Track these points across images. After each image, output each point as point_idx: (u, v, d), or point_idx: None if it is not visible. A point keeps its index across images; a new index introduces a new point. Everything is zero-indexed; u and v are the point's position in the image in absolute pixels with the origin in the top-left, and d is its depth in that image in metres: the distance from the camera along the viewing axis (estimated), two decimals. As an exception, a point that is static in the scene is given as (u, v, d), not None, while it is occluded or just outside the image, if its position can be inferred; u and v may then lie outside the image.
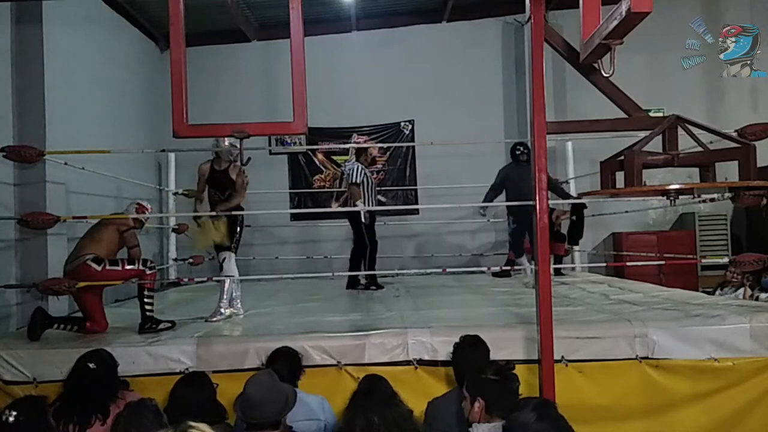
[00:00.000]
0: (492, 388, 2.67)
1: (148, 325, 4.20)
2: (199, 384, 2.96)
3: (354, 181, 6.33)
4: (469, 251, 8.46)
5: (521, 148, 6.61)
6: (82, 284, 4.20)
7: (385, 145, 8.81)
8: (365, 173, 6.42)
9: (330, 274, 6.13)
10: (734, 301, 5.14)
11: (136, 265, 4.27)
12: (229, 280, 4.71)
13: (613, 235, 8.77)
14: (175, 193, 7.57)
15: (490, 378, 2.69)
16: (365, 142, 8.85)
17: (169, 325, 4.25)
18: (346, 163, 6.76)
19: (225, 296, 4.70)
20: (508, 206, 6.58)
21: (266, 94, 8.19)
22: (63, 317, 4.38)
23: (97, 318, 4.28)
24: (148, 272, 4.29)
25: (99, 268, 4.17)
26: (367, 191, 6.44)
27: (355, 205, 6.32)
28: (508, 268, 6.73)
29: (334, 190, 7.97)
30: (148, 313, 4.24)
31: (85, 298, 4.26)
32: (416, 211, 8.50)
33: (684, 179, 6.19)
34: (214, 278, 4.67)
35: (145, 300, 4.26)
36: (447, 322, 4.23)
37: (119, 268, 4.24)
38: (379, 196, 6.74)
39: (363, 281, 6.63)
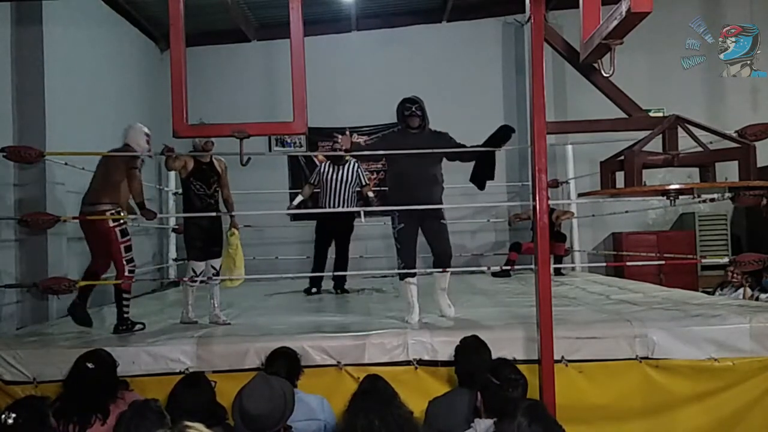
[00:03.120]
0: (492, 391, 2.71)
1: (124, 327, 4.23)
2: (198, 386, 2.95)
3: (309, 180, 6.50)
4: (469, 251, 8.45)
5: (411, 107, 4.44)
6: (81, 284, 4.22)
7: (383, 150, 8.78)
8: (323, 172, 6.31)
9: (330, 274, 6.15)
10: (734, 301, 5.14)
11: (126, 269, 4.27)
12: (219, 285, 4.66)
13: (612, 235, 8.76)
14: (175, 194, 7.57)
15: (493, 381, 2.73)
16: (365, 142, 8.84)
17: (142, 326, 4.29)
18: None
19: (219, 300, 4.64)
20: (390, 196, 4.64)
21: (266, 94, 8.19)
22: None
23: (120, 266, 4.28)
24: (127, 273, 4.28)
25: (119, 235, 4.23)
26: (330, 191, 6.25)
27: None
28: (508, 268, 6.72)
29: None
30: (124, 315, 4.27)
31: (110, 248, 4.27)
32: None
33: (684, 179, 6.21)
34: (214, 279, 4.61)
35: (123, 302, 4.29)
36: (447, 322, 4.23)
37: (123, 250, 4.26)
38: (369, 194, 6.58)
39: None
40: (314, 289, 6.34)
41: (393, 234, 4.45)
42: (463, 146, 4.49)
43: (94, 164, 5.43)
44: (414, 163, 4.33)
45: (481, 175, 4.45)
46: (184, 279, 4.54)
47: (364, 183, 6.49)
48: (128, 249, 4.30)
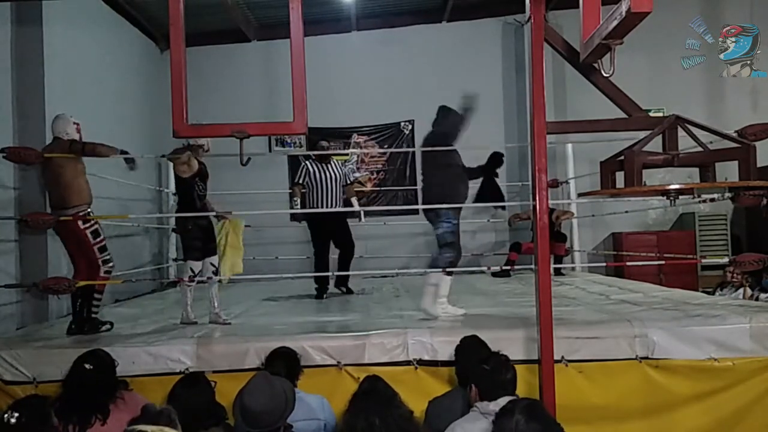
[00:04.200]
0: (484, 377, 2.76)
1: (87, 327, 4.21)
2: (198, 386, 2.94)
3: (295, 180, 6.32)
4: (469, 251, 8.42)
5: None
6: (82, 283, 4.21)
7: (386, 149, 8.81)
8: (311, 171, 6.17)
9: (329, 273, 6.15)
10: (734, 301, 5.14)
11: (102, 269, 4.26)
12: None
13: (612, 235, 8.77)
14: (174, 194, 7.56)
15: (482, 368, 2.78)
16: (365, 142, 8.85)
17: (109, 327, 4.29)
18: (346, 164, 6.75)
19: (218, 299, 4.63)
20: (454, 195, 4.68)
21: (266, 94, 8.17)
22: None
23: (95, 266, 4.25)
24: (103, 273, 4.26)
25: (90, 237, 4.20)
26: (320, 190, 6.15)
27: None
28: (508, 268, 6.72)
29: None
30: (92, 314, 4.26)
31: (86, 249, 4.26)
32: (416, 211, 8.49)
33: (684, 179, 6.20)
34: (214, 278, 4.61)
35: (93, 302, 4.28)
36: (447, 322, 4.23)
37: (98, 251, 4.24)
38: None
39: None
40: (325, 295, 6.20)
41: (447, 230, 4.55)
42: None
43: (93, 164, 5.44)
44: (465, 171, 4.85)
45: (492, 198, 4.94)
46: (184, 279, 4.53)
47: (349, 181, 6.40)
48: (103, 249, 4.28)
